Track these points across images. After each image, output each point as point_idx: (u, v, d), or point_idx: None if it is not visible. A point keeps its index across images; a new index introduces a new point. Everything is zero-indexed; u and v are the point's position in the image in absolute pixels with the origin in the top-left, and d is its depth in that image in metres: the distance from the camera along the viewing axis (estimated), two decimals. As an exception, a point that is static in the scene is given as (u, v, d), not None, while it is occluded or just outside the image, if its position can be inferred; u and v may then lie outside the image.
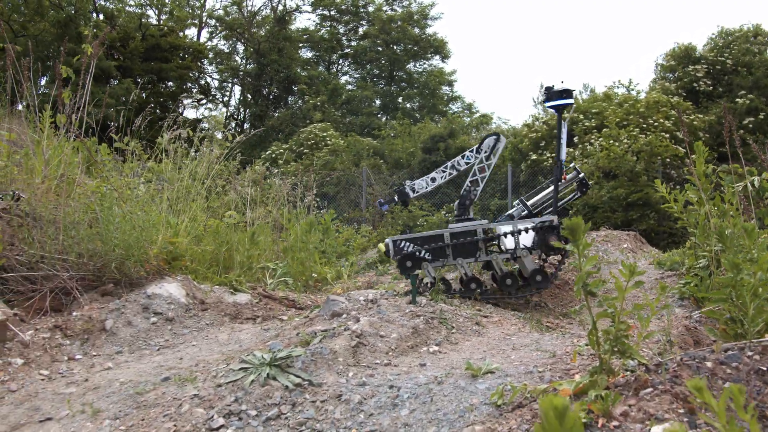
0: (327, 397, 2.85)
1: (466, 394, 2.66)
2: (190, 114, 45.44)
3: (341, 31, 38.84)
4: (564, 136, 5.61)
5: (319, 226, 6.89)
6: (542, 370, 2.79)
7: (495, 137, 5.75)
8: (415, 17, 36.22)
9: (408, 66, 37.44)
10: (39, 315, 4.17)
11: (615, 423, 2.10)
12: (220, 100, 39.61)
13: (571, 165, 6.02)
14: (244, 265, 5.60)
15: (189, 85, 37.15)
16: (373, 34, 36.03)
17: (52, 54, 29.31)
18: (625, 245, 7.65)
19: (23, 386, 3.40)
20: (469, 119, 34.98)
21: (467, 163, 5.72)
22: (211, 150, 7.94)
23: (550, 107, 5.69)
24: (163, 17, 37.75)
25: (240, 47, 38.67)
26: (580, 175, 5.85)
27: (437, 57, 37.18)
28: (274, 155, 25.25)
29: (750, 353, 2.30)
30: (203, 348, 3.98)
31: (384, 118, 35.61)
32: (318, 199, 21.50)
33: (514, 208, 6.04)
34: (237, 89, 38.91)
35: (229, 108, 39.56)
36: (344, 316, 3.93)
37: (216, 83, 39.27)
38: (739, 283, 2.59)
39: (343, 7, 37.46)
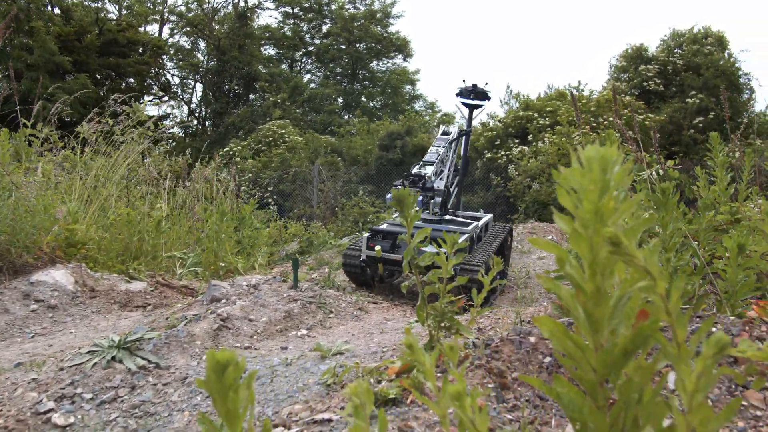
0: (171, 380, 2.75)
1: (306, 375, 2.58)
2: (152, 111, 44.87)
3: (304, 29, 38.65)
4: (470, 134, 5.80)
5: (236, 215, 6.77)
6: (387, 350, 2.72)
7: (461, 135, 5.94)
8: (377, 16, 36.14)
9: (371, 65, 37.38)
10: None
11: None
12: (181, 97, 39.17)
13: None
14: (149, 254, 5.46)
15: (149, 81, 36.69)
16: (335, 32, 35.91)
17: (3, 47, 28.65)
18: (550, 237, 7.65)
19: None
20: (429, 118, 35.01)
21: (447, 156, 5.76)
22: (139, 142, 7.78)
23: (463, 104, 5.82)
24: (124, 12, 37.27)
25: (202, 44, 38.32)
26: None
27: (400, 56, 37.16)
28: (232, 152, 25.02)
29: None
30: (79, 335, 3.84)
31: (346, 116, 35.49)
32: (275, 197, 21.34)
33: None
34: (199, 86, 38.57)
35: (191, 105, 39.15)
36: (223, 300, 3.83)
37: (177, 80, 38.86)
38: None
39: (306, 4, 37.25)
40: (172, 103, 39.98)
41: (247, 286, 4.15)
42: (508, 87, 41.94)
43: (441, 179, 5.49)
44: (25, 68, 27.81)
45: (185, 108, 39.13)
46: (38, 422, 2.52)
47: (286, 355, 2.95)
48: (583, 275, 0.89)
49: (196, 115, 38.53)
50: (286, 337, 3.43)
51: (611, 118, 17.42)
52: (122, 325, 3.98)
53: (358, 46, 36.64)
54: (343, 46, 36.81)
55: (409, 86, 37.63)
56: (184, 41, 38.67)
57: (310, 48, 38.33)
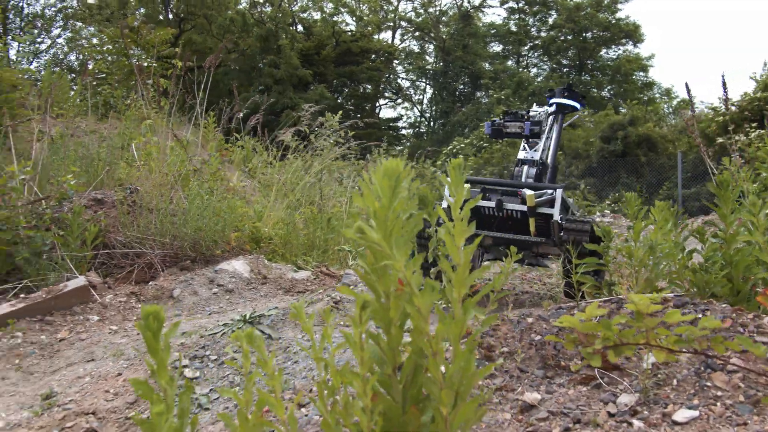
0: (276, 348, 3.40)
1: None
2: (388, 113, 47.55)
3: (530, 22, 38.53)
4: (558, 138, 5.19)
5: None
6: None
7: (558, 112, 5.18)
8: (604, 2, 34.95)
9: (599, 53, 36.23)
10: (125, 284, 5.14)
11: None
12: (413, 99, 41.08)
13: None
14: (321, 248, 6.26)
15: (382, 86, 39.11)
16: (561, 23, 35.35)
17: (257, 65, 32.35)
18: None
19: (90, 337, 4.31)
20: (667, 105, 33.11)
21: (544, 126, 5.07)
22: (330, 149, 8.74)
23: (556, 103, 5.15)
24: (360, 23, 40.00)
25: (430, 47, 39.91)
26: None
27: (630, 42, 35.55)
28: (455, 150, 25.90)
29: (577, 311, 2.49)
30: (243, 313, 4.68)
31: (574, 109, 34.76)
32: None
33: None
34: (429, 88, 40.23)
35: (422, 106, 40.95)
36: (351, 287, 4.42)
37: (408, 83, 40.88)
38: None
39: (531, -3, 37.21)
40: (405, 104, 42.14)
41: (374, 274, 4.69)
42: (765, 64, 38.12)
43: (536, 150, 4.90)
44: (273, 83, 31.15)
45: (416, 110, 41.02)
46: (175, 375, 3.29)
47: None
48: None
49: (426, 115, 40.22)
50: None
51: None
52: (275, 306, 4.76)
53: (585, 35, 35.74)
54: (570, 37, 36.14)
55: (641, 73, 35.86)
56: (414, 45, 40.56)
57: (536, 41, 38.14)
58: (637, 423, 1.98)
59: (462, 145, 26.38)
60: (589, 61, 36.51)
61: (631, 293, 1.55)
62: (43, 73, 12.92)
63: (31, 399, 3.31)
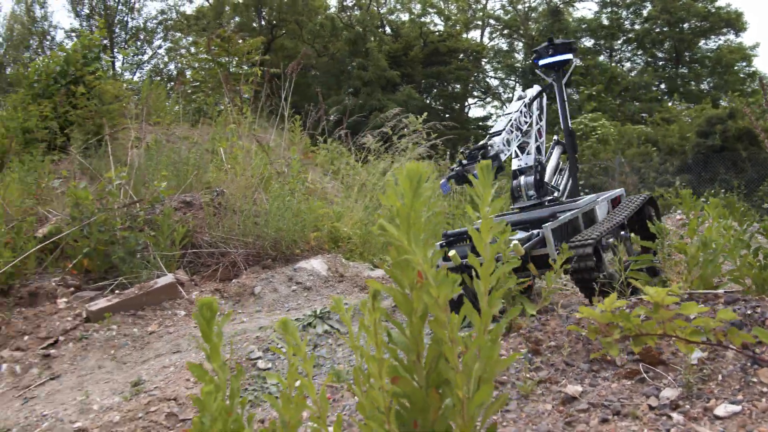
0: (343, 342, 3.56)
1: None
2: (477, 112, 47.32)
3: (623, 15, 37.42)
4: (566, 99, 4.62)
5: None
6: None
7: (540, 94, 4.56)
8: (703, -10, 33.57)
9: (697, 44, 34.79)
10: (210, 281, 5.45)
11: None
12: (502, 97, 40.72)
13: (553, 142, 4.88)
14: (398, 247, 6.41)
15: (470, 86, 38.98)
16: (655, 15, 34.15)
17: (346, 68, 32.91)
18: None
19: (177, 330, 4.62)
20: (771, 96, 31.36)
21: (526, 123, 4.36)
22: (414, 148, 8.90)
23: (545, 65, 4.60)
24: (448, 23, 39.96)
25: (519, 44, 39.46)
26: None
27: (731, 31, 33.94)
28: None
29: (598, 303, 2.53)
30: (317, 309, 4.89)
31: (670, 103, 33.58)
32: (586, 191, 21.29)
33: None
34: (518, 86, 39.72)
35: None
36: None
37: (496, 82, 40.55)
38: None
39: (624, -11, 36.14)
40: (494, 103, 41.82)
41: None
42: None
43: (528, 153, 4.33)
44: (362, 85, 31.60)
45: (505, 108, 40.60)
46: (249, 365, 3.51)
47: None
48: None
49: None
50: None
51: None
52: (350, 303, 4.94)
53: (681, 26, 34.41)
54: (665, 28, 34.86)
55: (744, 63, 34.17)
56: (502, 43, 40.19)
57: (629, 35, 37.00)
58: (676, 416, 2.01)
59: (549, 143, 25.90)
60: (686, 53, 35.13)
61: (649, 286, 1.59)
62: (141, 83, 13.69)
63: (122, 386, 3.61)
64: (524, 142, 4.33)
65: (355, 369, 1.67)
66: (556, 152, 4.75)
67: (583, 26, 37.05)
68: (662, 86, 35.15)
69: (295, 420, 1.79)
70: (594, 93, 30.78)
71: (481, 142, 4.13)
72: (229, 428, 1.66)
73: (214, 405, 1.63)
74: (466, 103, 40.04)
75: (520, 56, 39.29)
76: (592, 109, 27.97)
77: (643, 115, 30.30)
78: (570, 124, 4.69)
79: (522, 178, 4.25)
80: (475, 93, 40.77)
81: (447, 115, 33.30)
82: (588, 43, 38.05)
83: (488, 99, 41.36)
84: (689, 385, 2.13)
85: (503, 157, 4.02)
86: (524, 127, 4.29)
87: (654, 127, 25.44)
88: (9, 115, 9.16)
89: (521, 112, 4.28)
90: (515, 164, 4.35)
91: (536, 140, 4.35)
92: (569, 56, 4.53)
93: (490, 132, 4.17)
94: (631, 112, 32.12)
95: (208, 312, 1.73)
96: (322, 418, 1.65)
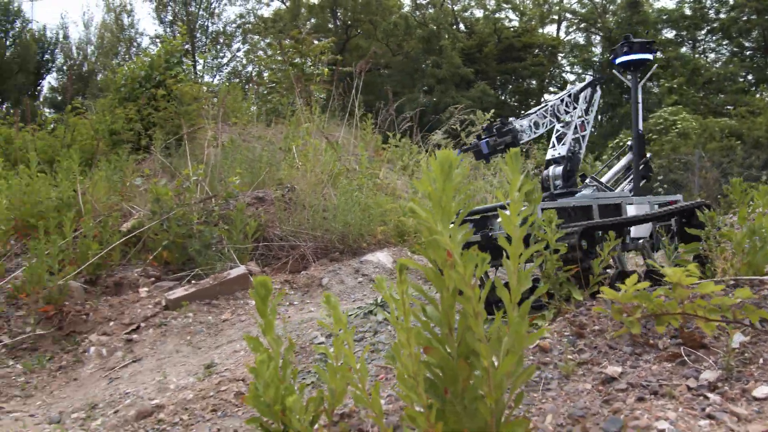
0: (402, 328, 3.70)
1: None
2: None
3: (707, 4, 36.08)
4: (640, 101, 4.57)
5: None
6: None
7: (590, 86, 4.51)
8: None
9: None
10: (280, 273, 5.69)
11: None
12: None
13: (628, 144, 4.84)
14: (463, 241, 6.51)
15: (546, 81, 38.43)
16: (742, 3, 32.78)
17: (420, 66, 33.03)
18: None
19: (249, 319, 4.87)
20: None
21: (567, 112, 4.35)
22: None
23: (621, 63, 4.53)
24: (523, 18, 39.53)
25: (597, 38, 38.62)
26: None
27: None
28: (621, 143, 24.97)
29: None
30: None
31: (758, 94, 32.22)
32: (664, 186, 20.77)
33: (583, 187, 4.57)
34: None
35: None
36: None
37: (573, 76, 39.80)
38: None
39: (709, -23, 34.86)
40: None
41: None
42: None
43: (563, 144, 4.31)
44: (435, 83, 31.68)
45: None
46: (311, 350, 3.70)
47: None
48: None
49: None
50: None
51: None
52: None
53: (771, 13, 32.93)
54: (753, 16, 33.43)
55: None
56: (579, 37, 39.46)
57: (714, 24, 35.66)
58: (713, 397, 2.06)
59: (630, 139, 25.29)
60: (776, 42, 33.64)
61: (667, 268, 1.65)
62: (220, 85, 14.21)
63: (196, 368, 3.86)
64: (563, 133, 4.33)
65: (395, 344, 1.80)
66: (630, 155, 4.78)
67: (664, 17, 35.93)
68: (749, 77, 33.72)
69: (341, 388, 1.95)
70: (675, 86, 29.85)
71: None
72: (281, 394, 1.83)
73: (266, 373, 1.81)
74: (542, 99, 39.51)
75: (597, 50, 38.50)
76: (672, 102, 27.14)
77: (728, 107, 29.12)
78: (641, 128, 4.67)
79: (551, 168, 4.27)
80: (551, 88, 40.18)
81: (522, 112, 32.88)
82: (669, 34, 36.89)
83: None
84: (729, 367, 2.17)
85: (525, 138, 4.02)
86: (563, 116, 4.28)
87: (739, 120, 24.48)
88: (98, 118, 9.74)
89: (562, 100, 4.31)
90: (549, 154, 4.38)
91: (575, 132, 4.29)
92: (648, 56, 4.48)
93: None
94: (714, 105, 30.99)
95: (263, 290, 1.91)
96: (362, 383, 1.79)
